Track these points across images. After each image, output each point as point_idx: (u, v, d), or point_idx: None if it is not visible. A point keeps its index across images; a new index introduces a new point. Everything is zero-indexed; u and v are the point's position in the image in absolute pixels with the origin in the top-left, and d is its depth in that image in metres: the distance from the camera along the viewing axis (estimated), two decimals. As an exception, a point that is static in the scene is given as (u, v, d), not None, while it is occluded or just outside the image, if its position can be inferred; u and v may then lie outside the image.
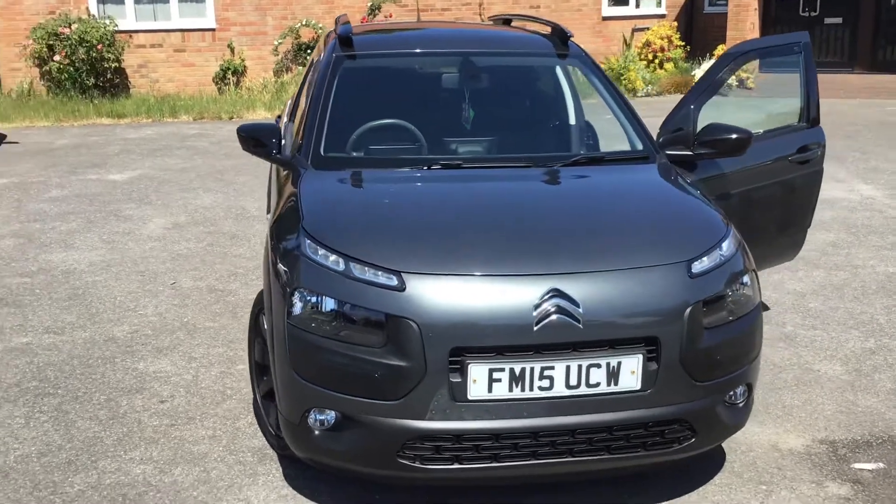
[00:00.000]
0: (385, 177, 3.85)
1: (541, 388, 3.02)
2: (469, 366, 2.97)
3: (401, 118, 4.25)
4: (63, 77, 14.11)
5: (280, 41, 15.27)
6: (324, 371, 3.10)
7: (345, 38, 4.52)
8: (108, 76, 14.45)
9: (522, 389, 3.01)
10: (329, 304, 3.10)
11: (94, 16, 14.44)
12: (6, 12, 14.52)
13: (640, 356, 3.06)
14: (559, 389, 3.03)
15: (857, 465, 3.73)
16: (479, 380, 2.98)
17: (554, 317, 3.00)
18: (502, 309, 3.02)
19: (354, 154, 4.11)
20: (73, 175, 9.51)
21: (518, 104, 4.54)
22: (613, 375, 3.05)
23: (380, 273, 3.08)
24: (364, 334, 3.04)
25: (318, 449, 3.20)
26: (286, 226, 3.50)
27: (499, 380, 2.99)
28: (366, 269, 3.10)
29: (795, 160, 4.79)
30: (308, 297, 3.14)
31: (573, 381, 3.03)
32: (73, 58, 13.93)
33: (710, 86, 4.54)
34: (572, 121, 4.53)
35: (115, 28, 14.39)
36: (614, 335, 3.05)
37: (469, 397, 2.99)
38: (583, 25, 16.36)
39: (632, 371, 3.07)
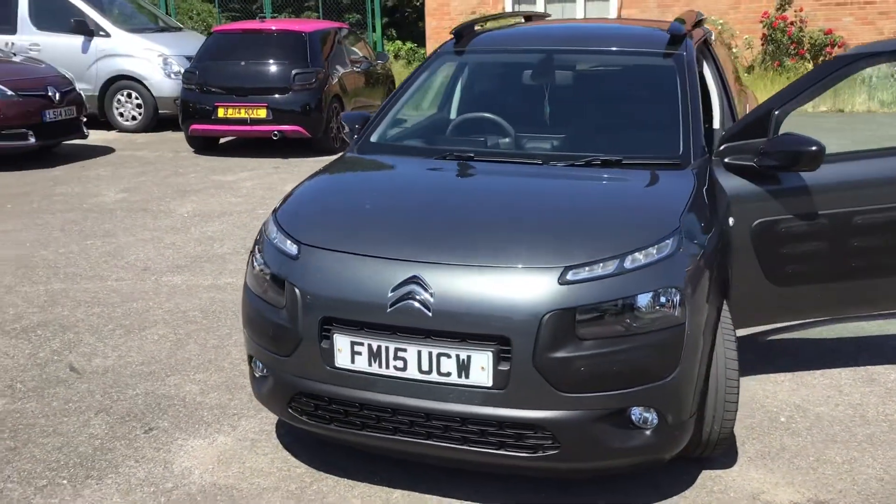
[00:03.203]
0: (389, 163, 4.17)
1: (396, 368, 3.19)
2: (335, 336, 3.26)
3: (475, 111, 4.48)
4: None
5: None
6: (252, 325, 3.60)
7: (457, 35, 4.83)
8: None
9: (380, 366, 3.21)
10: (265, 268, 3.57)
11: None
12: (437, 13, 16.47)
13: (490, 354, 3.08)
14: (412, 372, 3.17)
15: (825, 536, 3.23)
16: (343, 350, 3.25)
17: (406, 302, 3.16)
18: (365, 287, 3.24)
19: (399, 143, 4.45)
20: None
21: (600, 103, 4.46)
22: (464, 368, 3.11)
23: (290, 242, 3.49)
24: (276, 296, 3.47)
25: (255, 390, 3.70)
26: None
27: (360, 353, 3.23)
28: (286, 239, 3.53)
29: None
30: (257, 262, 3.64)
31: (425, 367, 3.15)
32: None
33: (806, 92, 4.04)
34: (656, 120, 4.32)
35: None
36: (463, 329, 3.10)
37: (336, 365, 3.27)
38: None
39: (482, 367, 3.09)
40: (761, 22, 15.52)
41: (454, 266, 3.20)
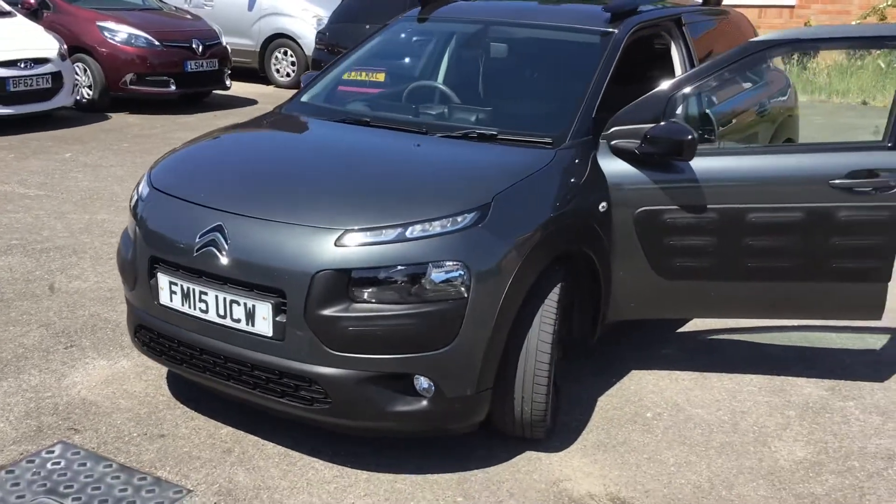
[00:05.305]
0: (288, 122, 4.37)
1: (200, 310, 3.40)
2: (159, 274, 3.52)
3: (408, 78, 4.60)
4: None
5: (859, 21, 14.21)
6: (117, 259, 3.92)
7: (425, 3, 4.90)
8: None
9: (189, 307, 3.43)
10: (132, 209, 3.88)
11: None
12: None
13: (270, 305, 3.22)
14: (213, 315, 3.37)
15: (593, 530, 3.15)
16: (164, 289, 3.50)
17: (208, 248, 3.35)
18: (180, 231, 3.46)
19: (318, 104, 4.60)
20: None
21: (516, 77, 4.43)
22: (250, 316, 3.28)
23: (146, 185, 3.77)
24: (133, 233, 3.77)
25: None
26: None
27: (175, 293, 3.47)
28: (146, 183, 3.81)
29: (843, 186, 3.73)
30: (131, 203, 3.94)
31: (221, 312, 3.34)
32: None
33: (710, 77, 3.83)
34: (553, 99, 4.23)
35: None
36: (250, 279, 3.26)
37: (161, 302, 3.53)
38: None
39: (263, 317, 3.25)
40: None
41: (252, 219, 3.36)
